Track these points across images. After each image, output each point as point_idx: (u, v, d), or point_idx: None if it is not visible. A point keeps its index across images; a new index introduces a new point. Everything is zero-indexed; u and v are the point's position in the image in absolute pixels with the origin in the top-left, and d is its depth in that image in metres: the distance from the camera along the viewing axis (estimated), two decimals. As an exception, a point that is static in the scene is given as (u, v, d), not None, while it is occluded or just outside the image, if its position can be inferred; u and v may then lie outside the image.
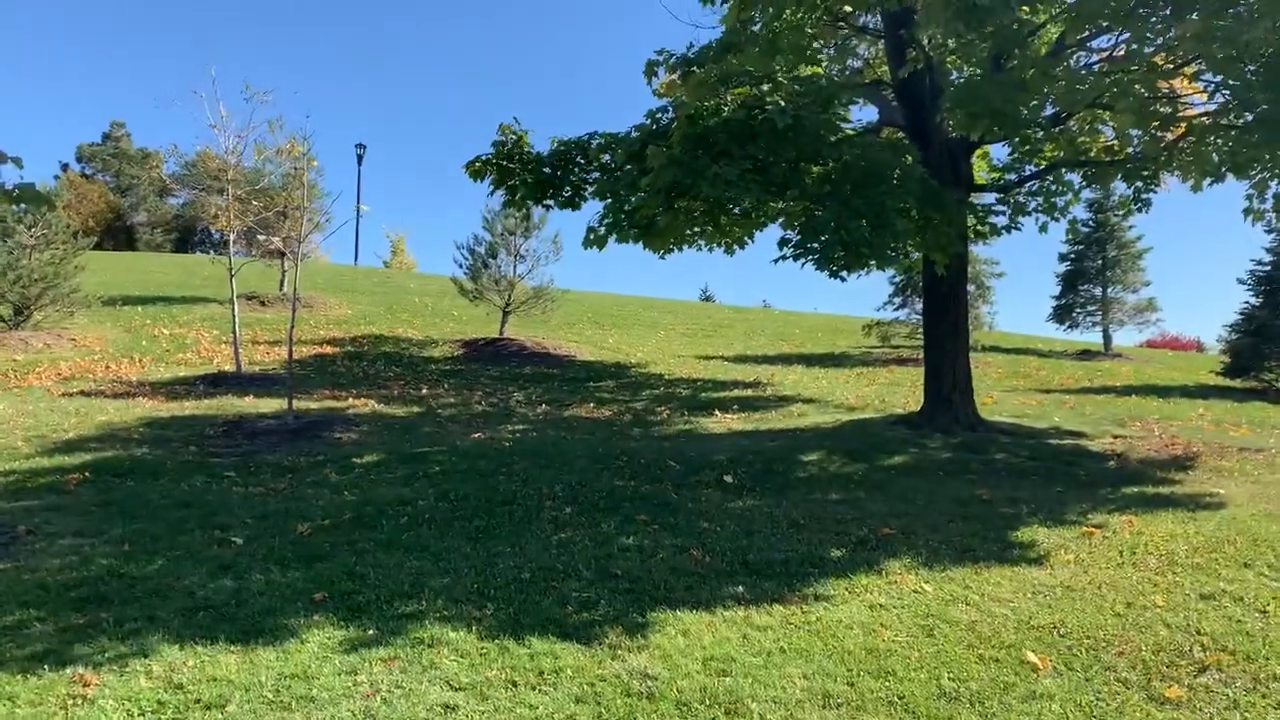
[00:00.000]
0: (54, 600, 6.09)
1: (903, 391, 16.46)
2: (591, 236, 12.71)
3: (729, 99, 8.95)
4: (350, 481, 9.43)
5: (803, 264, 9.16)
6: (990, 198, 13.44)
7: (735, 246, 17.99)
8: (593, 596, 6.36)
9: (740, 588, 6.64)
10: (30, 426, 11.66)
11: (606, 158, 11.44)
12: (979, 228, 11.22)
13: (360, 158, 47.31)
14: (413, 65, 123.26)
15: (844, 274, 9.10)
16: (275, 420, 12.08)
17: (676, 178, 8.29)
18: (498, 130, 11.79)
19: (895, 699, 5.11)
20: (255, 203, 17.58)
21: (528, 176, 11.59)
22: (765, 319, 29.65)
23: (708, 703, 4.97)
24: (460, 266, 20.38)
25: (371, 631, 5.76)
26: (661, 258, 17.96)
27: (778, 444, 11.49)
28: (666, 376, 17.39)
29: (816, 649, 5.70)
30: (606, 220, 11.24)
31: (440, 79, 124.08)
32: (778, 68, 9.46)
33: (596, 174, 11.64)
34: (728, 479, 9.66)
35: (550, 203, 12.24)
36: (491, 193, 12.20)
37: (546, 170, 11.65)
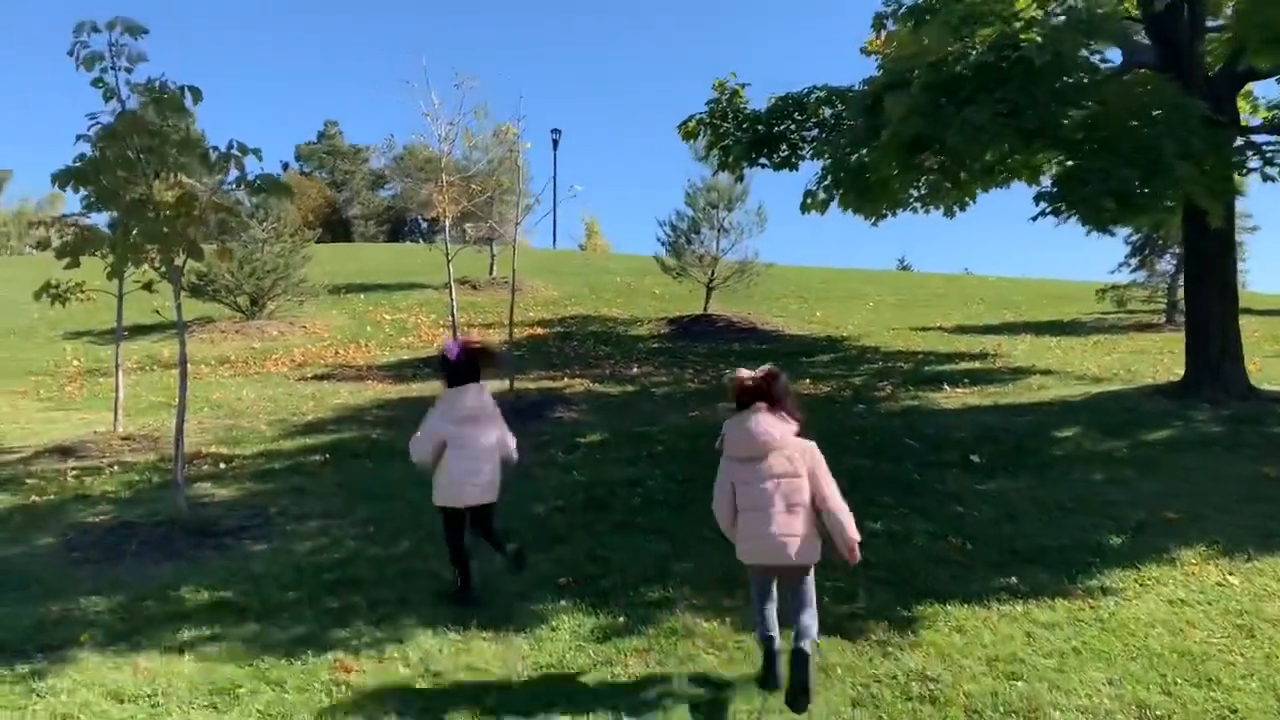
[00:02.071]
0: (309, 583, 6.16)
1: (1150, 360, 15.02)
2: (809, 200, 12.13)
3: (976, 40, 8.15)
4: (577, 461, 9.30)
5: (1063, 219, 8.28)
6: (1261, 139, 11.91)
7: (956, 208, 16.95)
8: (848, 587, 5.89)
9: (1013, 579, 6.01)
10: (272, 410, 12.22)
11: (827, 113, 10.81)
12: (1267, 169, 9.83)
13: (556, 143, 48.07)
14: (602, 41, 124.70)
15: (1111, 229, 8.18)
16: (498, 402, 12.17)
17: (920, 129, 7.60)
18: (712, 86, 11.35)
19: (1226, 712, 4.41)
20: (471, 187, 17.94)
21: (742, 135, 11.10)
22: (979, 286, 28.04)
23: (1001, 710, 4.44)
24: (662, 243, 20.16)
25: (621, 619, 5.53)
26: (874, 224, 17.11)
27: (1023, 419, 10.59)
28: (883, 349, 16.58)
29: (1116, 650, 5.03)
30: (825, 182, 10.64)
31: (629, 56, 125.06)
32: (1020, 5, 8.55)
33: (815, 131, 11.03)
34: (974, 458, 8.92)
35: (765, 162, 11.70)
36: (705, 156, 11.80)
37: (761, 128, 11.11)
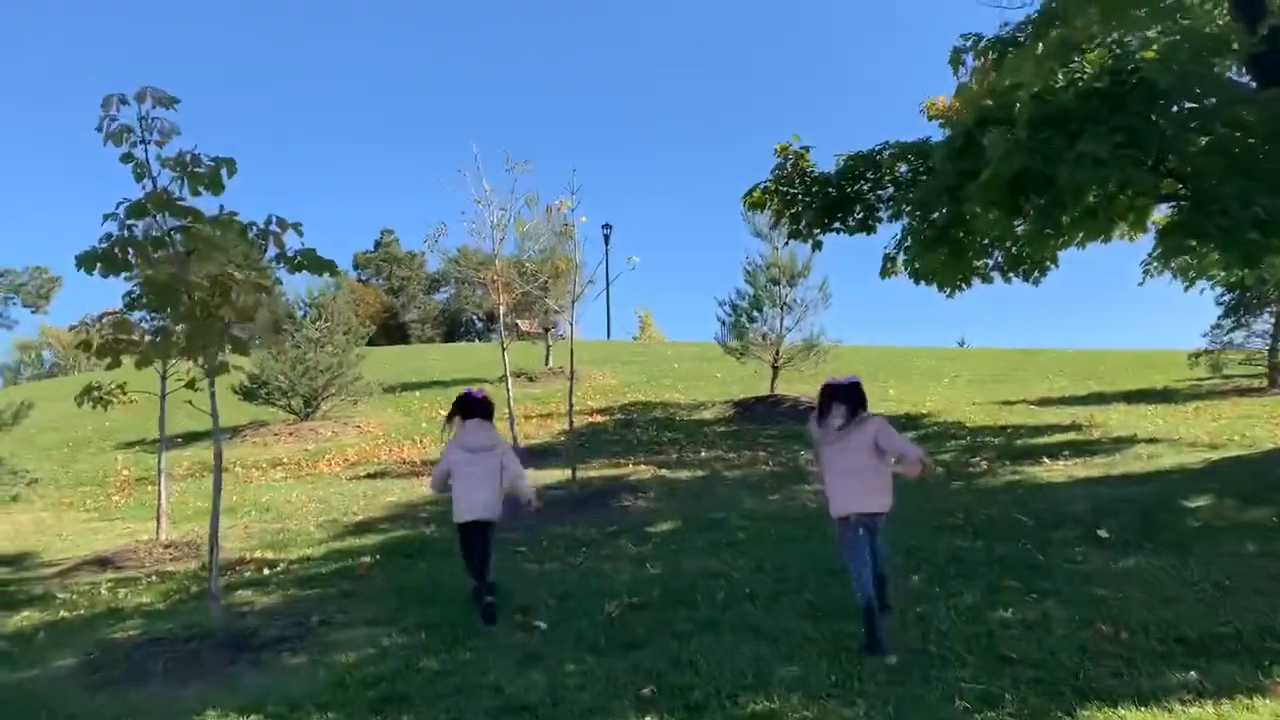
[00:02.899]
0: (353, 700, 5.29)
1: (1263, 425, 13.77)
2: (889, 265, 11.34)
3: (1085, 65, 7.37)
4: (650, 553, 8.39)
5: (1199, 255, 7.38)
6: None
7: (1038, 273, 16.01)
8: (991, 689, 4.87)
9: (1191, 673, 4.94)
10: (321, 511, 11.53)
11: (902, 169, 10.06)
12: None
13: (607, 238, 48.07)
14: (650, 125, 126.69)
15: (1252, 265, 7.24)
16: (560, 490, 11.36)
17: (1025, 164, 6.79)
18: (775, 151, 10.69)
19: None
20: (525, 268, 17.46)
21: (812, 200, 10.38)
22: (1058, 360, 26.81)
23: None
24: (722, 323, 19.43)
25: (720, 739, 4.57)
26: (949, 295, 16.26)
27: (1144, 490, 9.49)
28: (968, 425, 15.51)
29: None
30: (906, 244, 9.83)
31: (669, 137, 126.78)
32: (1118, 31, 7.78)
33: (890, 190, 10.28)
34: (1102, 533, 7.85)
35: (840, 227, 10.94)
36: (774, 225, 11.12)
37: (833, 190, 10.39)
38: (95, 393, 10.63)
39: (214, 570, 7.02)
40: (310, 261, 7.64)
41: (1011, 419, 15.92)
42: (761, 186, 10.83)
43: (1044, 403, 18.06)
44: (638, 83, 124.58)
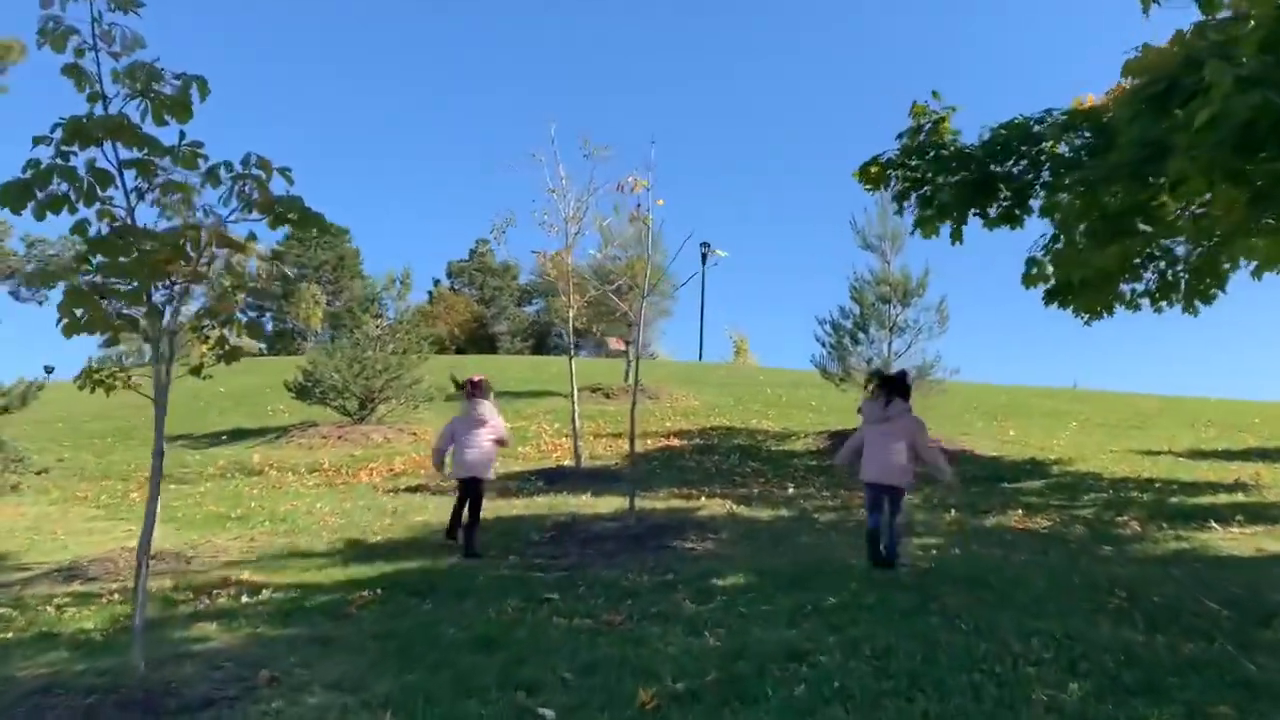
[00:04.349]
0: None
1: None
2: (1034, 271, 9.27)
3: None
4: (711, 615, 6.49)
5: None
6: None
7: (1196, 301, 13.68)
8: None
9: None
10: (339, 528, 9.96)
11: (1064, 150, 7.98)
12: None
13: (705, 257, 46.22)
14: (752, 152, 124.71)
15: None
16: (614, 523, 9.57)
17: (1267, 99, 4.74)
18: (910, 113, 8.68)
19: None
20: (596, 284, 15.85)
21: (950, 177, 8.35)
22: (1200, 407, 23.89)
23: None
24: (822, 344, 17.38)
25: None
26: (1087, 323, 14.10)
27: (1372, 576, 7.22)
28: (1106, 476, 13.17)
29: None
30: (1058, 247, 7.77)
31: (774, 166, 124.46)
32: None
33: (1048, 174, 8.20)
34: (1344, 638, 5.68)
35: (979, 215, 8.87)
36: (899, 210, 9.13)
37: (973, 168, 8.32)
38: (96, 375, 9.26)
39: (139, 602, 5.45)
40: (296, 214, 6.04)
41: (1157, 472, 13.51)
42: (884, 159, 8.84)
43: (1194, 455, 15.51)
44: (737, 88, 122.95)
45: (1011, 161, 8.29)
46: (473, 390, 9.11)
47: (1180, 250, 12.88)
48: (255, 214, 6.11)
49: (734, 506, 10.84)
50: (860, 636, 5.87)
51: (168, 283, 5.79)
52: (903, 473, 7.71)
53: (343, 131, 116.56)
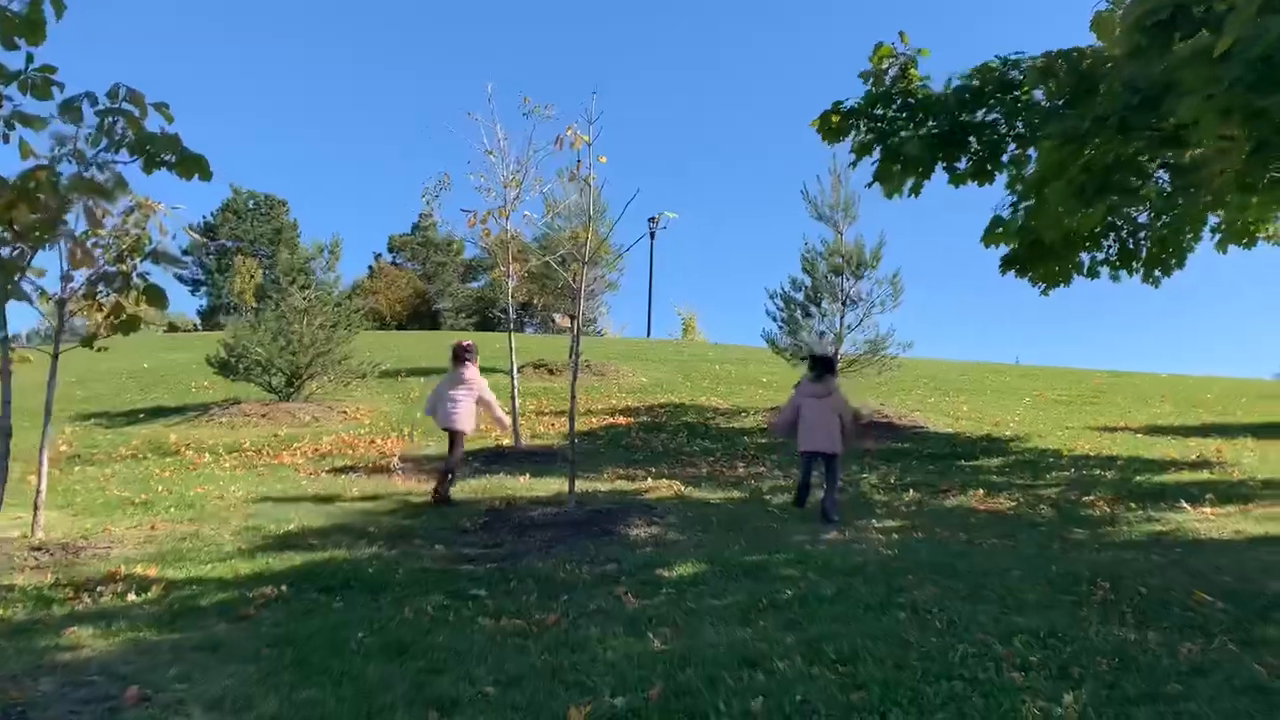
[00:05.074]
0: None
1: None
2: (1000, 230, 8.68)
3: None
4: (656, 612, 5.80)
5: None
6: None
7: (1159, 272, 13.33)
8: None
9: None
10: (252, 514, 9.09)
11: (1038, 96, 7.33)
12: None
13: (653, 232, 45.42)
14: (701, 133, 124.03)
15: None
16: (553, 508, 8.83)
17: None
18: (872, 58, 7.96)
19: None
20: (537, 253, 15.05)
21: (917, 129, 7.66)
22: (1152, 383, 23.73)
23: None
24: (774, 319, 16.76)
25: None
26: (1044, 293, 13.67)
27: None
28: (1066, 454, 12.72)
29: None
30: (1027, 203, 7.16)
31: (722, 144, 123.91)
32: None
33: (1021, 126, 7.56)
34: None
35: (947, 169, 8.20)
36: (853, 164, 8.44)
37: (940, 120, 7.63)
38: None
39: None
40: (174, 154, 5.20)
41: (1118, 449, 13.10)
42: (846, 107, 8.13)
43: (1152, 431, 15.17)
44: (684, 48, 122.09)
45: (984, 111, 7.65)
46: (460, 355, 10.02)
47: (1143, 218, 12.46)
48: (126, 155, 5.25)
49: (682, 488, 10.17)
50: (822, 636, 5.22)
51: (14, 232, 4.92)
52: (837, 441, 8.73)
53: (281, 101, 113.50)
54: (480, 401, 9.98)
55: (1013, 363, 33.54)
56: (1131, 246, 12.62)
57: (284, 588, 6.53)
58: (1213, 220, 12.20)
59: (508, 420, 10.09)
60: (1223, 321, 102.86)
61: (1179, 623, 5.41)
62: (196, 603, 6.28)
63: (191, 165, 5.23)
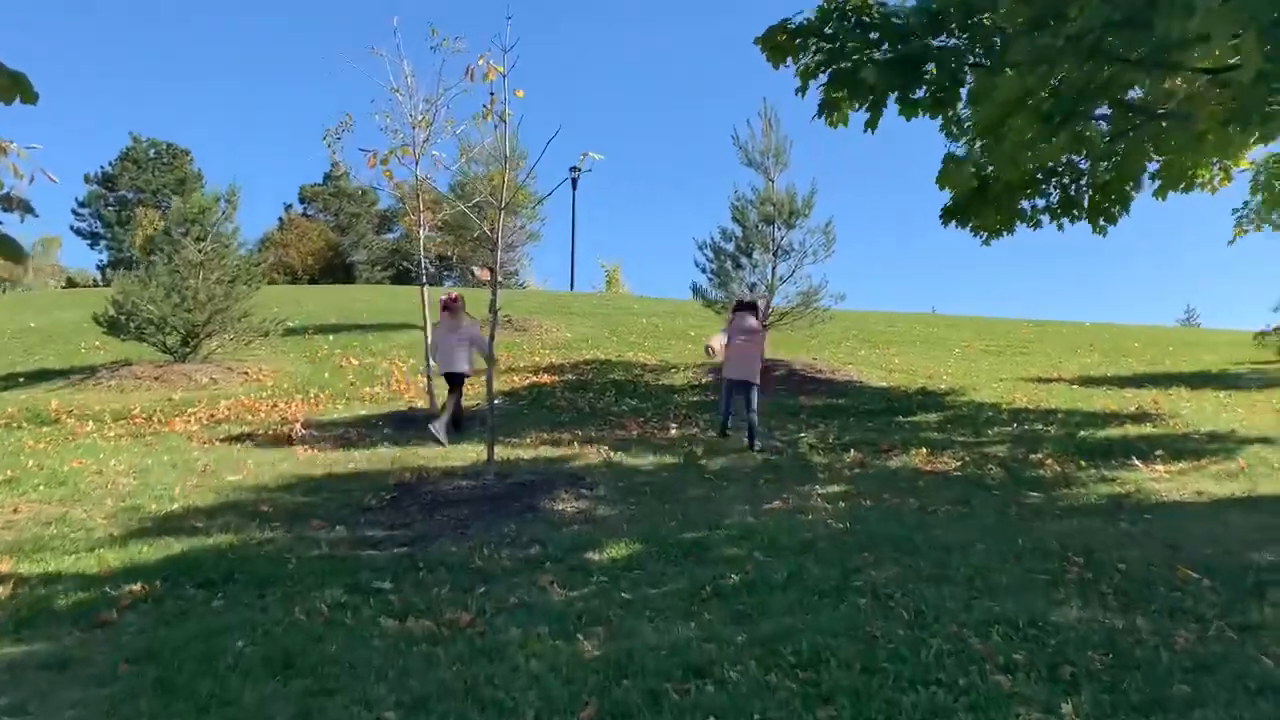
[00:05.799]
0: None
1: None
2: (952, 167, 8.07)
3: None
4: (587, 605, 5.09)
5: None
6: None
7: (1102, 220, 12.96)
8: None
9: None
10: (131, 491, 8.12)
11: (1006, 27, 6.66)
12: None
13: (575, 181, 44.25)
14: (616, 78, 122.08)
15: None
16: (469, 480, 8.04)
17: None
18: None
19: None
20: (451, 200, 14.08)
21: (873, 52, 6.92)
22: (1078, 333, 23.70)
23: None
24: (703, 270, 16.04)
25: None
26: (985, 242, 13.25)
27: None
28: (1004, 407, 12.33)
29: None
30: (984, 134, 6.52)
31: (640, 95, 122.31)
32: None
33: (983, 55, 6.89)
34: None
35: (905, 98, 7.48)
36: (800, 90, 7.69)
37: (902, 41, 6.88)
38: None
39: None
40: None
41: (1055, 401, 12.76)
42: (795, 24, 7.36)
43: (1086, 382, 14.93)
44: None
45: (946, 36, 6.96)
46: (447, 305, 10.76)
47: (1084, 164, 12.03)
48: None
49: (611, 453, 9.45)
50: (777, 633, 4.58)
51: None
52: (756, 373, 9.95)
53: (180, 41, 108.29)
54: (473, 343, 10.61)
55: (929, 312, 33.58)
56: (1073, 194, 12.21)
57: (157, 583, 5.67)
58: (1151, 167, 11.87)
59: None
60: (1121, 270, 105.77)
61: (1167, 605, 4.90)
62: (50, 604, 5.39)
63: (9, 86, 4.24)
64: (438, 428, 10.05)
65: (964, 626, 4.58)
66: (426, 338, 11.98)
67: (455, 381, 10.60)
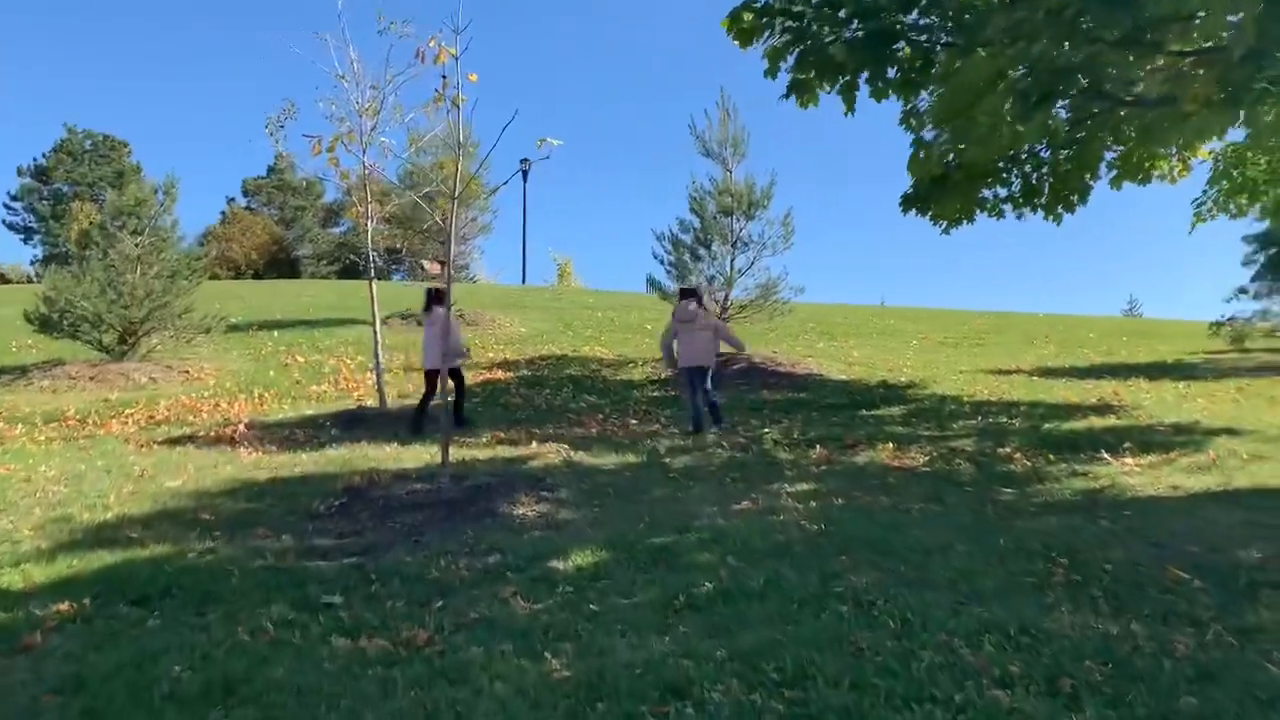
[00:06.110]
0: None
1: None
2: (924, 154, 7.88)
3: None
4: (553, 620, 4.77)
5: None
6: None
7: (1060, 208, 12.92)
8: None
9: None
10: (62, 500, 7.65)
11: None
12: None
13: (525, 174, 43.68)
14: (577, 74, 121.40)
15: None
16: (423, 484, 7.67)
17: None
18: None
19: None
20: (399, 189, 13.66)
21: (842, 30, 6.67)
22: (1034, 324, 23.80)
23: None
24: (661, 262, 15.77)
25: None
26: (945, 231, 13.17)
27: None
28: (966, 400, 12.22)
29: None
30: (953, 117, 6.30)
31: (603, 89, 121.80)
32: None
33: (956, 34, 6.67)
34: (1352, 617, 4.52)
35: (875, 80, 7.25)
36: (770, 72, 7.42)
37: (873, 19, 6.63)
38: None
39: None
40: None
41: (1016, 394, 12.69)
42: (760, 3, 7.09)
43: (1045, 374, 14.91)
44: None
45: (916, 12, 6.73)
46: (433, 300, 10.77)
47: (1046, 154, 11.96)
48: None
49: (571, 453, 9.14)
50: (757, 647, 4.30)
51: None
52: (709, 355, 10.32)
53: (120, 34, 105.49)
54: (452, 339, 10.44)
55: (878, 304, 33.70)
56: (1035, 182, 12.14)
57: (86, 601, 5.24)
58: (1109, 157, 11.84)
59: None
60: (1066, 260, 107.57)
61: (1160, 609, 4.70)
62: (-34, 629, 4.95)
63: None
64: (451, 422, 9.68)
65: (953, 635, 4.34)
66: (376, 335, 11.57)
67: (454, 376, 10.69)
